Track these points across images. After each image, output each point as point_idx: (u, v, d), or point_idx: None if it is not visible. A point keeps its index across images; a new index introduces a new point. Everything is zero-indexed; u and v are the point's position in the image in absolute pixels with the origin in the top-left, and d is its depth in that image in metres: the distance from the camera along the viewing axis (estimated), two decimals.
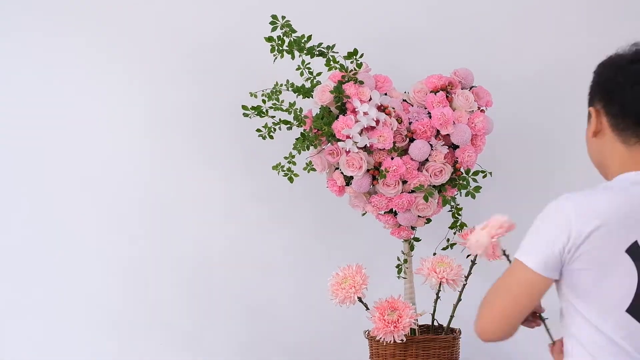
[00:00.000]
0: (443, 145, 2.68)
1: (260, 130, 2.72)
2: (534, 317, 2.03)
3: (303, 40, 2.64)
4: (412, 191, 2.66)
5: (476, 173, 2.74)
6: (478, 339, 1.93)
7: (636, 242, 1.83)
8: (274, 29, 2.65)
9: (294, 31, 2.65)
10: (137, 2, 3.11)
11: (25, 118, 3.09)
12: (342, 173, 2.64)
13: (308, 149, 2.64)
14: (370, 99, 2.61)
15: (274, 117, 2.73)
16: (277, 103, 2.69)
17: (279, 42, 2.65)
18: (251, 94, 2.71)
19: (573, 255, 1.84)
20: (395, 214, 2.72)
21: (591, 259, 1.83)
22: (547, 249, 1.84)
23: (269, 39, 2.66)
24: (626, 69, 1.89)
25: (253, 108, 2.71)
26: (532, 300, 1.89)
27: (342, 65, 2.66)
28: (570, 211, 1.84)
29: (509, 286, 1.89)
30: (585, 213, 1.83)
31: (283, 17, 2.65)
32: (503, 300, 1.89)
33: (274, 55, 2.66)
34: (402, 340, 2.60)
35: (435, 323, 2.77)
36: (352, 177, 2.64)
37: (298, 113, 2.67)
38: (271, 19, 2.64)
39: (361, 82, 2.63)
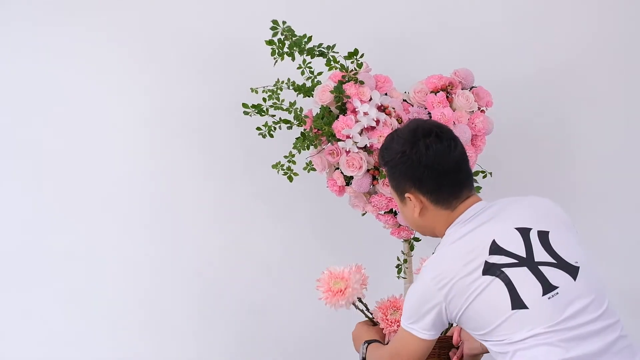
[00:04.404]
0: None
1: (261, 129, 2.72)
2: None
3: (304, 41, 2.64)
4: None
5: (476, 173, 2.74)
6: None
7: (485, 261, 2.01)
8: (274, 35, 2.65)
9: (295, 35, 2.65)
10: (139, 3, 3.10)
11: (28, 118, 3.09)
12: (342, 173, 2.64)
13: (308, 148, 2.64)
14: (371, 99, 2.61)
15: (274, 116, 2.73)
16: (277, 102, 2.69)
17: (279, 45, 2.65)
18: (252, 90, 2.71)
19: (454, 310, 2.06)
20: (395, 214, 2.71)
21: (462, 300, 2.04)
22: (425, 317, 2.10)
23: (270, 42, 2.65)
24: (418, 156, 2.11)
25: (253, 106, 2.71)
26: None
27: (342, 65, 2.65)
28: (430, 284, 2.07)
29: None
30: (441, 281, 2.05)
31: (284, 22, 2.64)
32: None
33: (274, 58, 2.66)
34: None
35: None
36: (352, 177, 2.64)
37: (298, 112, 2.67)
38: (272, 24, 2.64)
39: (361, 82, 2.62)
